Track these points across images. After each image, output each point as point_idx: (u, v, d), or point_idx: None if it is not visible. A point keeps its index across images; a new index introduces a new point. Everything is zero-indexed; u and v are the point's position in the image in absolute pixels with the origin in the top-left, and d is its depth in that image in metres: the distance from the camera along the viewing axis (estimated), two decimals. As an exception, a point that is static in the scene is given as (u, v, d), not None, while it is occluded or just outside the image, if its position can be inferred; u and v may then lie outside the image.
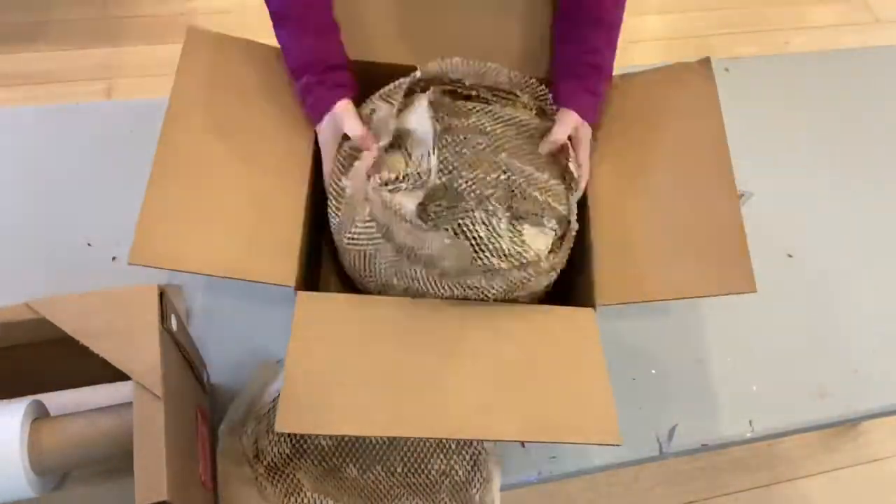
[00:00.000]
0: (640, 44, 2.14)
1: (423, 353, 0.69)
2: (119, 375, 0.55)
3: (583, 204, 0.83)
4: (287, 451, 0.74)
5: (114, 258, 0.87)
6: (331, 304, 0.71)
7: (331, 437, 0.76)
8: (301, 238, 0.72)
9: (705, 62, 0.83)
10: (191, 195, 0.69)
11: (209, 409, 0.77)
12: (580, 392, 0.69)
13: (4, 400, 0.65)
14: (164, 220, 0.64)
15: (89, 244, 0.88)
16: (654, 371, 0.87)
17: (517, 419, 0.66)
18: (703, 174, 0.77)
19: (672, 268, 0.74)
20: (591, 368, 0.70)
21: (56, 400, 0.68)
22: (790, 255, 0.98)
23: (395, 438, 0.77)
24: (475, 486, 0.76)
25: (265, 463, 0.73)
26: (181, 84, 0.75)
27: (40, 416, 0.63)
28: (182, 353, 0.65)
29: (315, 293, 0.72)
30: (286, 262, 0.70)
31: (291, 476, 0.73)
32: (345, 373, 0.66)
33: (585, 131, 0.81)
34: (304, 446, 0.75)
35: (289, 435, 0.75)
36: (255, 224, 0.71)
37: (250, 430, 0.74)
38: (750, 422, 0.86)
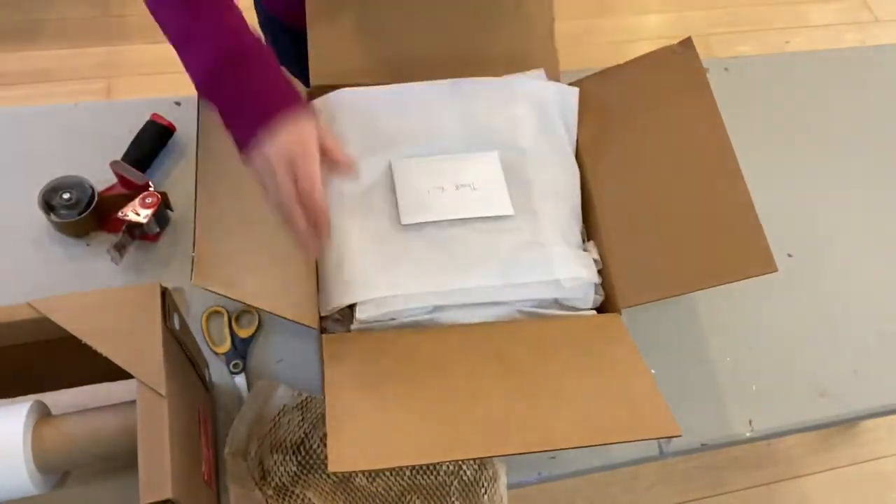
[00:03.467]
0: (639, 42, 2.14)
1: (463, 376, 0.68)
2: (121, 374, 0.56)
3: (589, 205, 0.82)
4: (293, 469, 0.74)
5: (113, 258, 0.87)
6: (358, 341, 0.71)
7: None
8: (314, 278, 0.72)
9: (687, 42, 0.81)
10: (235, 219, 0.67)
11: (211, 407, 0.77)
12: (628, 392, 0.68)
13: (7, 399, 0.66)
14: (217, 244, 0.62)
15: (88, 244, 0.88)
16: (654, 371, 0.88)
17: (574, 427, 0.65)
18: (705, 156, 0.76)
19: (688, 259, 0.73)
20: (632, 368, 0.70)
21: (58, 399, 0.68)
22: (790, 255, 0.98)
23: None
24: (483, 487, 0.75)
25: (273, 484, 0.72)
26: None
27: (43, 415, 0.63)
28: (184, 352, 0.65)
29: (339, 335, 0.72)
30: (311, 303, 0.70)
31: (301, 495, 0.72)
32: (387, 405, 0.65)
33: None
34: (311, 462, 0.75)
35: (293, 453, 0.74)
36: (285, 256, 0.71)
37: (253, 451, 0.73)
38: (750, 422, 0.86)
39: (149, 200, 0.85)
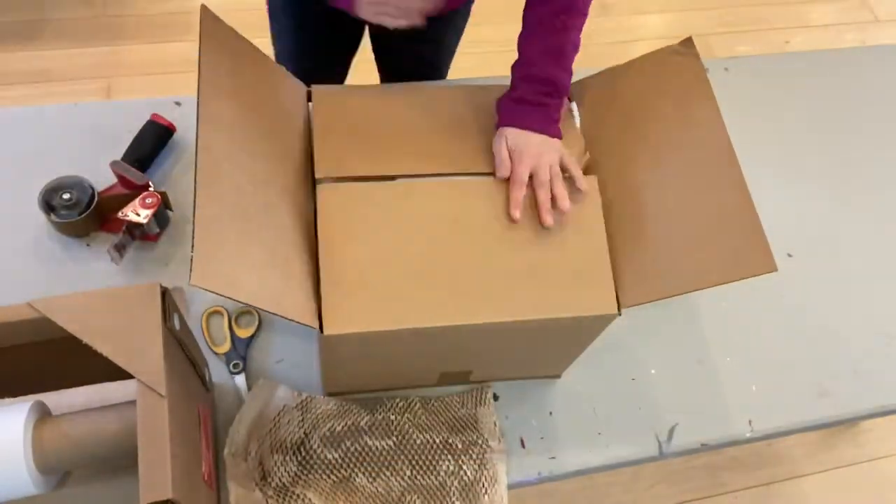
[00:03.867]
0: (640, 42, 2.14)
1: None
2: (121, 374, 0.55)
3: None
4: (294, 469, 0.74)
5: (112, 258, 0.86)
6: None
7: (336, 448, 0.76)
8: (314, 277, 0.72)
9: (688, 42, 0.81)
10: (234, 219, 0.66)
11: (211, 407, 0.77)
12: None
13: (8, 399, 0.66)
14: (216, 244, 0.62)
15: (88, 245, 0.88)
16: (653, 371, 0.88)
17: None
18: (706, 156, 0.76)
19: (688, 259, 0.73)
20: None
21: (59, 399, 0.68)
22: (790, 255, 0.98)
23: (402, 441, 0.77)
24: (483, 487, 0.76)
25: (273, 485, 0.72)
26: (207, 94, 0.69)
27: (43, 415, 0.63)
28: (184, 352, 0.65)
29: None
30: (311, 302, 0.70)
31: (301, 496, 0.72)
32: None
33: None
34: (311, 462, 0.75)
35: (294, 453, 0.75)
36: (284, 256, 0.70)
37: (254, 451, 0.73)
38: (750, 422, 0.86)
39: (149, 201, 0.85)
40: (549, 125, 0.79)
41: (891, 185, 1.07)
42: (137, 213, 0.84)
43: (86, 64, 1.92)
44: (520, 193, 0.74)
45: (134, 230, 0.86)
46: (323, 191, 0.72)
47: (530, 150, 0.76)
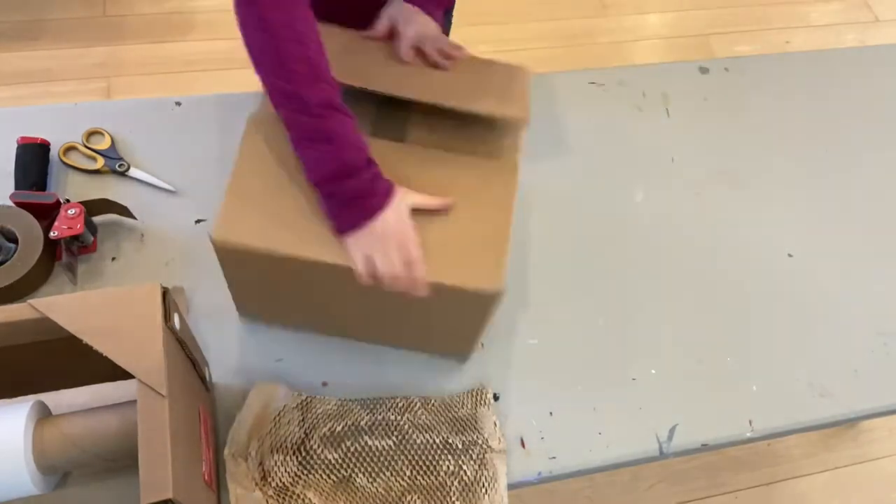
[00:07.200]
0: (640, 42, 2.14)
1: None
2: (121, 374, 0.56)
3: None
4: (294, 469, 0.74)
5: (113, 258, 0.87)
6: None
7: (336, 448, 0.76)
8: None
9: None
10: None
11: (212, 407, 0.77)
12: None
13: (7, 399, 0.66)
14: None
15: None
16: (654, 371, 0.88)
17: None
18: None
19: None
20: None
21: (58, 399, 0.68)
22: (790, 255, 0.98)
23: (403, 440, 0.77)
24: (483, 487, 0.76)
25: (273, 485, 0.73)
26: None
27: (43, 415, 0.63)
28: (185, 352, 0.65)
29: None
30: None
31: (301, 495, 0.72)
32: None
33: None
34: (311, 462, 0.75)
35: (294, 453, 0.75)
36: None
37: (254, 451, 0.73)
38: (750, 422, 0.86)
39: (71, 212, 0.82)
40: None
41: (891, 185, 1.07)
42: (68, 228, 0.81)
43: (86, 64, 1.92)
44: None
45: (72, 247, 0.83)
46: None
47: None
